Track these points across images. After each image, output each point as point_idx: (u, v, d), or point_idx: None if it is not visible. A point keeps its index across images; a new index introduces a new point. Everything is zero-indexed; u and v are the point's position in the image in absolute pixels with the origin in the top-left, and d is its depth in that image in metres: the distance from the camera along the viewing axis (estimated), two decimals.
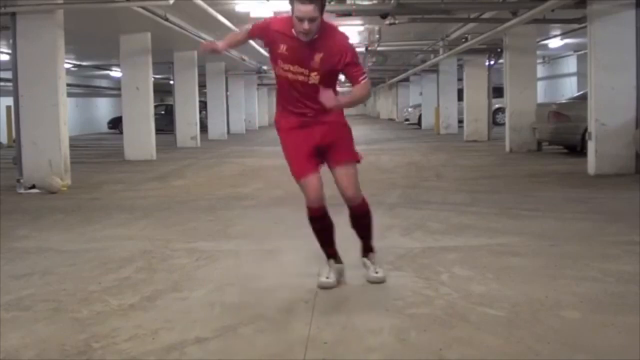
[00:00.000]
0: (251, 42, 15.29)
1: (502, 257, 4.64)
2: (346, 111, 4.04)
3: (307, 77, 3.72)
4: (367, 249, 4.12)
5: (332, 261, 4.01)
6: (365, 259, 4.11)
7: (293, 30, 3.68)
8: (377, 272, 4.03)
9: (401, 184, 8.95)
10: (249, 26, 4.01)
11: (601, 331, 3.17)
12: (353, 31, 14.86)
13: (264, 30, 3.86)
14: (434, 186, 8.74)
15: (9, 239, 5.67)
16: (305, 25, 3.58)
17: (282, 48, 3.73)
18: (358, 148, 4.02)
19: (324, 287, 3.89)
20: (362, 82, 3.71)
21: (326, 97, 3.59)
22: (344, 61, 3.69)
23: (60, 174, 9.14)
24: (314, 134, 3.81)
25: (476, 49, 16.54)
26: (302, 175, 3.79)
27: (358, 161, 3.94)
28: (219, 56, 4.28)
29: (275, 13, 10.85)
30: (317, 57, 3.69)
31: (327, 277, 3.93)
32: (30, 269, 4.58)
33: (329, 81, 3.77)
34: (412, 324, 3.29)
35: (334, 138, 3.85)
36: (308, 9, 3.54)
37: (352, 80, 3.74)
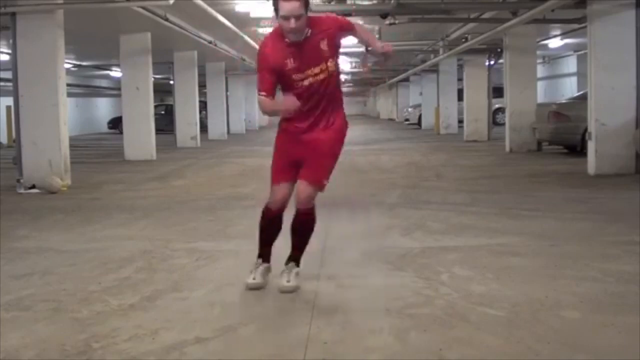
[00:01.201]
0: (252, 42, 15.37)
1: (502, 257, 4.64)
2: (346, 110, 4.03)
3: (325, 71, 3.71)
4: (294, 259, 3.96)
5: (259, 260, 3.99)
6: (286, 266, 3.93)
7: (286, 39, 3.64)
8: (288, 281, 3.88)
9: (401, 184, 8.94)
10: (261, 95, 3.70)
11: (601, 331, 3.17)
12: None
13: (269, 71, 3.68)
14: (434, 186, 8.74)
15: (9, 239, 5.67)
16: (292, 23, 3.54)
17: (290, 63, 3.66)
18: (332, 174, 3.90)
19: (252, 289, 3.90)
20: (355, 25, 3.91)
21: (384, 47, 3.82)
22: (339, 29, 3.78)
23: (60, 174, 9.14)
24: (300, 149, 3.80)
25: (476, 49, 16.54)
26: (276, 182, 3.89)
27: (320, 189, 3.84)
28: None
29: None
30: (323, 44, 3.69)
31: (254, 278, 3.94)
32: (30, 269, 4.58)
33: (337, 69, 3.83)
34: (412, 324, 3.29)
35: (315, 157, 3.78)
36: (293, 6, 3.51)
37: (350, 32, 3.87)
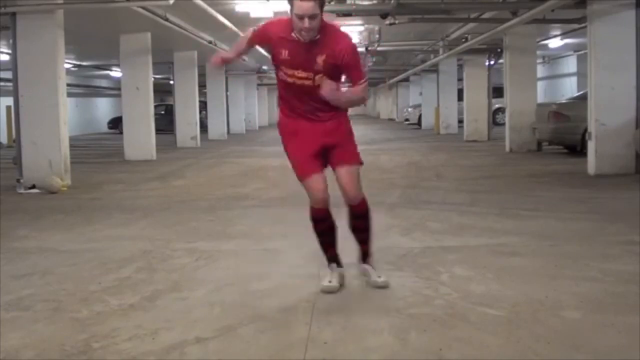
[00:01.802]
0: None
1: (502, 257, 4.64)
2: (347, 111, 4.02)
3: (312, 81, 3.64)
4: (366, 254, 3.96)
5: (334, 265, 3.93)
6: (365, 265, 3.96)
7: (293, 34, 3.59)
8: (380, 277, 3.92)
9: (401, 184, 8.95)
10: (248, 33, 3.91)
11: (601, 331, 3.17)
12: (353, 31, 14.87)
13: (262, 37, 3.79)
14: (434, 186, 8.74)
15: (9, 239, 5.67)
16: (306, 23, 3.47)
17: (284, 53, 3.64)
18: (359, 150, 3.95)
19: (327, 292, 3.82)
20: (362, 85, 3.70)
21: (326, 89, 3.59)
22: (346, 63, 3.64)
23: (60, 174, 9.14)
24: (316, 135, 3.74)
25: (476, 49, 16.54)
26: (306, 175, 3.73)
27: (361, 164, 3.87)
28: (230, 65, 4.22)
29: (275, 13, 10.86)
30: (320, 58, 3.60)
31: (330, 281, 3.87)
32: (30, 269, 4.58)
33: (335, 79, 3.72)
34: (412, 324, 3.29)
35: (337, 140, 3.78)
36: (308, 5, 3.44)
37: (353, 81, 3.74)
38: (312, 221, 3.87)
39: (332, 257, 3.94)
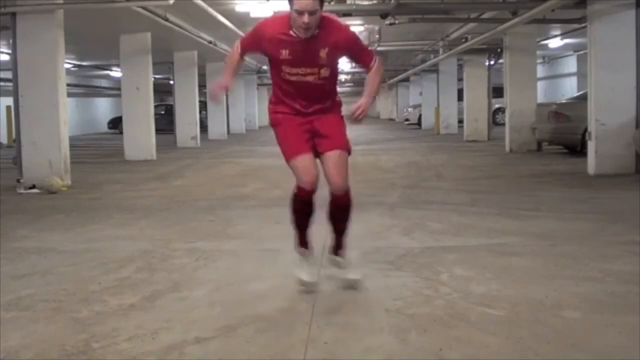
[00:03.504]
0: None
1: (502, 257, 4.64)
2: (345, 111, 4.02)
3: (317, 75, 3.63)
4: (339, 246, 3.89)
5: (302, 249, 3.86)
6: (335, 257, 3.90)
7: (291, 31, 3.56)
8: (353, 274, 3.86)
9: (401, 184, 8.95)
10: (236, 45, 3.78)
11: (601, 331, 3.17)
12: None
13: (256, 41, 3.68)
14: (434, 186, 8.74)
15: (9, 239, 5.67)
16: (305, 18, 3.44)
17: (285, 53, 3.59)
18: (351, 144, 3.88)
19: (306, 287, 3.80)
20: (375, 66, 3.70)
21: (358, 110, 3.60)
22: (353, 50, 3.67)
23: (60, 174, 9.15)
24: (307, 120, 3.71)
25: (476, 49, 16.55)
26: (294, 155, 3.64)
27: (349, 152, 3.79)
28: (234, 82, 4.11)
29: (275, 13, 10.86)
30: (323, 52, 3.58)
31: (308, 276, 3.85)
32: (30, 269, 4.58)
33: (335, 71, 3.74)
34: (412, 324, 3.29)
35: (327, 126, 3.73)
36: (308, 1, 3.42)
37: (364, 65, 3.73)
38: (295, 201, 3.74)
39: (304, 240, 3.89)
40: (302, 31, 3.53)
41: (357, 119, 3.64)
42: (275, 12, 10.30)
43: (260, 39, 3.66)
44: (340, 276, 3.90)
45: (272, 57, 3.67)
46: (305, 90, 3.69)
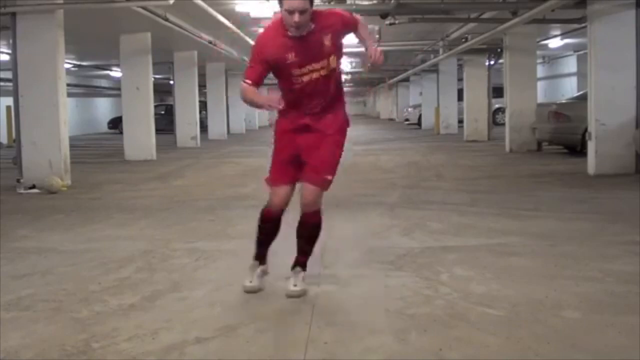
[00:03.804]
0: (249, 41, 15.37)
1: (502, 257, 4.64)
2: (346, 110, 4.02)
3: (326, 68, 3.64)
4: (300, 264, 3.87)
5: (256, 262, 3.94)
6: (293, 272, 3.86)
7: (289, 32, 3.57)
8: (295, 285, 3.80)
9: (401, 184, 8.95)
10: (243, 79, 3.69)
11: (601, 331, 3.17)
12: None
13: (261, 58, 3.62)
14: (434, 186, 8.74)
15: (9, 239, 5.67)
16: (296, 17, 3.46)
17: (291, 56, 3.59)
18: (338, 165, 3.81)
19: (249, 292, 3.86)
20: (358, 21, 3.83)
21: (377, 53, 3.64)
22: (346, 24, 3.74)
23: (60, 174, 9.15)
24: (301, 140, 3.73)
25: (476, 49, 16.55)
26: (274, 183, 3.83)
27: (326, 188, 3.77)
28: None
29: (275, 13, 10.85)
30: (326, 39, 3.61)
31: (251, 282, 3.90)
32: (30, 269, 4.58)
33: (340, 53, 3.78)
34: (412, 324, 3.29)
35: (316, 147, 3.71)
36: (298, 0, 3.44)
37: (354, 30, 3.81)
38: (260, 218, 3.92)
39: (261, 254, 3.96)
40: (294, 30, 3.55)
41: (378, 61, 3.67)
42: (276, 13, 10.30)
43: (264, 57, 3.63)
44: (290, 287, 3.83)
45: (279, 66, 3.64)
46: (314, 89, 3.68)
